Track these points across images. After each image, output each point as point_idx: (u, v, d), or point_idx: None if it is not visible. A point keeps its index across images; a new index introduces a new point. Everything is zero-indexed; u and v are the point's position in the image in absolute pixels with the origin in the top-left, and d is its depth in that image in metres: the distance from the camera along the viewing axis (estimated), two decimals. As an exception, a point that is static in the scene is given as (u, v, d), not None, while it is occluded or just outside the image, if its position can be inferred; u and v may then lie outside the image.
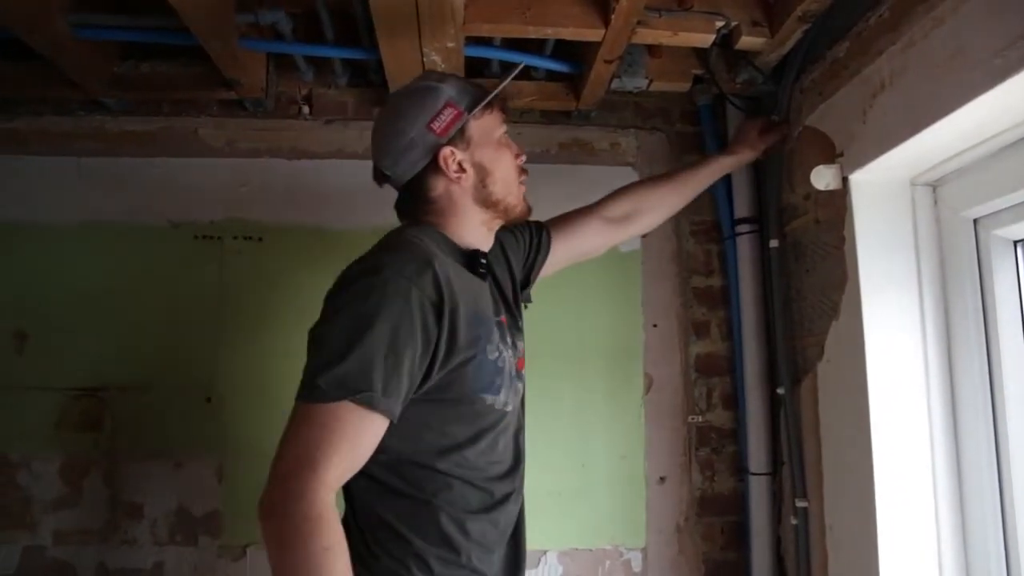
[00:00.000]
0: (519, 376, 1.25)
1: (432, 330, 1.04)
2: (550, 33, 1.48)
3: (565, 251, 1.47)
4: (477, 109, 1.20)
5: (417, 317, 1.03)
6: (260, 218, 1.82)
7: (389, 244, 1.15)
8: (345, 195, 1.82)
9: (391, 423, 1.02)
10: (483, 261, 1.21)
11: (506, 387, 1.17)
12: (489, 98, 1.22)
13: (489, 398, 1.14)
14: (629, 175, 1.89)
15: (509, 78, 1.25)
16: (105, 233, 1.80)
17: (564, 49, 1.68)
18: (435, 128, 1.17)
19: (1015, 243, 1.29)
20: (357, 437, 0.99)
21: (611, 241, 1.55)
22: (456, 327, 1.07)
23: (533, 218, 1.82)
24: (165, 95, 1.81)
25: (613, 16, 1.39)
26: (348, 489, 1.14)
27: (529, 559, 1.70)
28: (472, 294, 1.14)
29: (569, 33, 1.48)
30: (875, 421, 1.33)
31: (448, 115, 1.18)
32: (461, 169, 1.19)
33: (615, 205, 1.52)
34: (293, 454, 0.96)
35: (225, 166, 1.84)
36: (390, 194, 1.81)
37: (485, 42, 1.63)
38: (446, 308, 1.06)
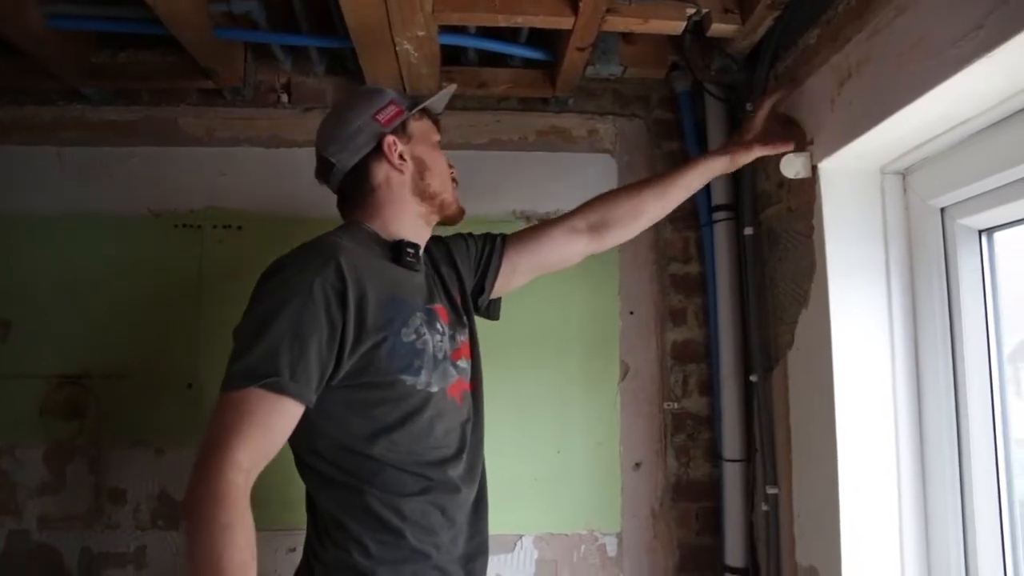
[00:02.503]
0: (454, 364, 1.28)
1: (336, 315, 1.10)
2: (520, 22, 1.48)
3: (528, 261, 1.47)
4: (416, 109, 1.32)
5: (320, 304, 1.09)
6: (240, 207, 1.83)
7: (303, 245, 1.23)
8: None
9: (306, 406, 1.08)
10: (410, 251, 1.26)
11: (428, 369, 1.20)
12: (423, 104, 1.33)
13: (408, 379, 1.18)
14: (607, 162, 1.89)
15: (443, 92, 1.37)
16: (86, 222, 1.81)
17: (539, 36, 1.67)
18: (380, 119, 1.28)
19: (980, 232, 1.28)
20: (268, 420, 1.04)
21: (585, 250, 1.50)
22: (364, 311, 1.13)
23: (516, 204, 1.86)
24: (144, 85, 1.81)
25: (581, 4, 1.39)
26: (307, 489, 1.22)
27: (505, 543, 1.74)
28: (388, 280, 1.20)
29: (539, 22, 1.48)
30: (840, 408, 1.34)
31: (392, 110, 1.29)
32: (402, 158, 1.29)
33: (582, 215, 1.49)
34: (208, 439, 1.02)
35: (205, 155, 1.85)
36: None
37: (460, 30, 1.63)
38: (351, 294, 1.12)
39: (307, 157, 1.82)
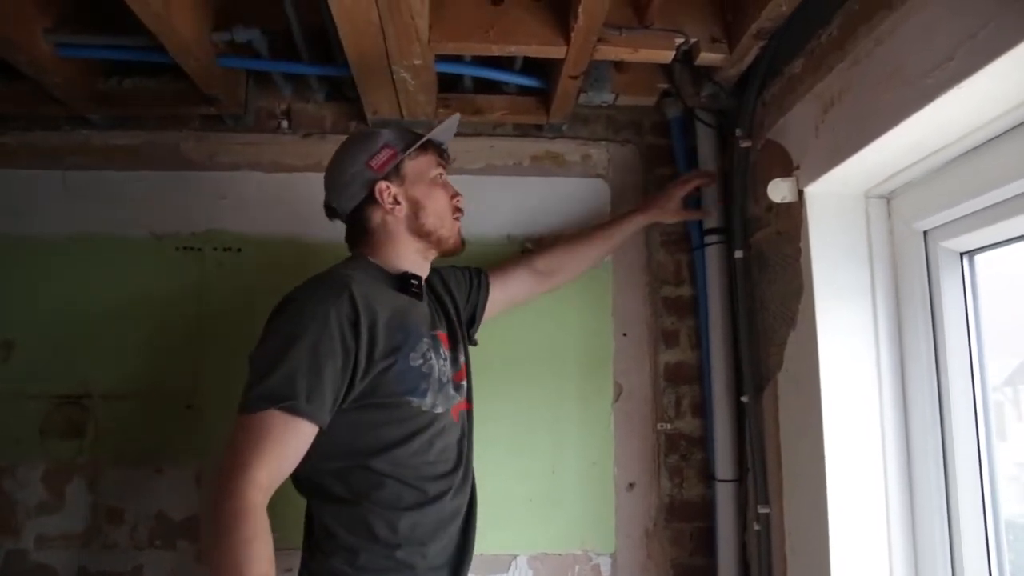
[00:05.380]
0: (457, 386, 1.37)
1: (350, 342, 1.18)
2: (514, 51, 1.52)
3: (500, 298, 1.62)
4: (411, 150, 1.38)
5: (335, 332, 1.17)
6: (239, 230, 1.87)
7: (316, 276, 1.31)
8: (321, 207, 1.85)
9: (321, 429, 1.15)
10: (414, 281, 1.34)
11: (433, 391, 1.28)
12: (420, 142, 1.39)
13: (415, 401, 1.26)
14: (600, 186, 1.93)
15: (442, 126, 1.43)
16: (90, 245, 1.85)
17: (534, 64, 1.72)
18: (373, 165, 1.35)
19: (961, 255, 1.31)
20: (284, 440, 1.12)
21: (535, 291, 1.70)
22: (375, 337, 1.21)
23: (511, 228, 1.89)
24: (148, 111, 1.86)
25: (573, 34, 1.43)
26: (308, 505, 1.29)
27: (499, 563, 1.76)
28: (396, 309, 1.28)
29: (532, 51, 1.52)
30: (828, 428, 1.36)
31: (385, 155, 1.36)
32: (396, 201, 1.36)
33: (543, 259, 1.69)
34: (228, 459, 1.10)
35: (206, 179, 1.89)
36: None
37: (456, 59, 1.68)
38: (363, 322, 1.20)
39: (306, 182, 1.89)
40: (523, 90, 1.82)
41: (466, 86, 1.82)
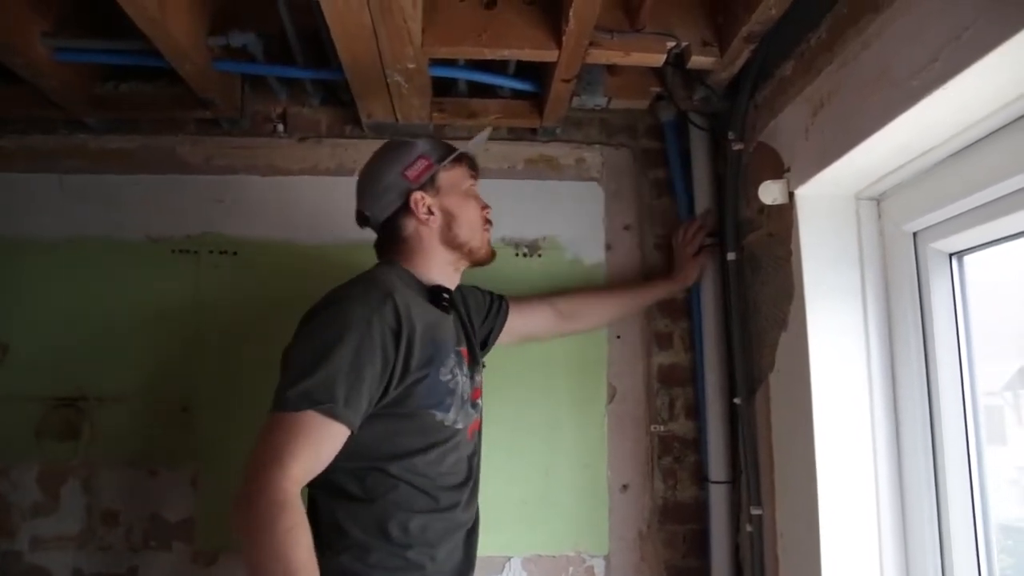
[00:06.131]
0: (474, 404, 1.39)
1: (390, 352, 1.19)
2: (506, 55, 1.53)
3: (519, 327, 1.65)
4: (447, 161, 1.38)
5: (377, 340, 1.18)
6: (235, 233, 1.88)
7: (359, 278, 1.30)
8: (317, 211, 1.88)
9: (351, 433, 1.15)
10: (445, 296, 1.35)
11: (456, 407, 1.30)
12: (456, 153, 1.40)
13: (439, 415, 1.27)
14: (594, 189, 1.94)
15: (477, 139, 1.44)
16: (86, 247, 1.86)
17: (527, 68, 1.73)
18: (408, 175, 1.35)
19: (950, 256, 1.32)
20: (319, 442, 1.13)
21: (553, 331, 1.75)
22: (412, 349, 1.22)
23: (505, 231, 1.90)
24: (144, 114, 1.87)
25: (565, 38, 1.44)
26: (312, 501, 1.27)
27: (493, 565, 1.76)
28: (429, 322, 1.28)
29: (525, 54, 1.53)
30: (818, 429, 1.37)
31: (421, 165, 1.36)
32: (430, 212, 1.36)
33: (567, 301, 1.73)
34: (263, 454, 1.10)
35: (202, 183, 1.90)
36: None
37: (450, 63, 1.69)
38: (403, 333, 1.21)
39: (301, 186, 1.91)
40: (517, 94, 1.83)
41: (460, 90, 1.83)
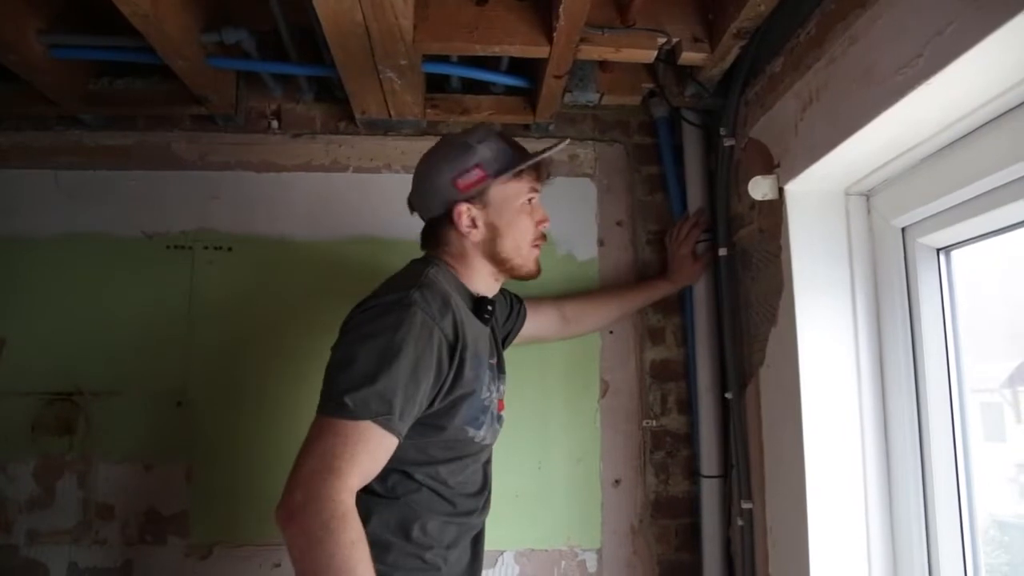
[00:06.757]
0: (498, 418, 1.38)
1: (445, 366, 1.18)
2: (498, 51, 1.54)
3: (528, 331, 1.66)
4: (505, 175, 1.31)
5: (435, 354, 1.16)
6: (229, 229, 1.88)
7: (414, 273, 1.26)
8: (310, 207, 1.89)
9: (399, 442, 1.14)
10: (489, 308, 1.33)
11: (487, 425, 1.30)
12: (515, 169, 1.31)
13: (471, 431, 1.27)
14: (587, 185, 1.94)
15: (547, 151, 1.35)
16: (81, 243, 1.87)
17: (520, 65, 1.74)
18: (459, 184, 1.30)
19: (938, 251, 1.33)
20: (375, 452, 1.11)
21: (557, 335, 1.76)
22: (464, 365, 1.22)
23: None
24: (139, 111, 1.88)
25: (555, 34, 1.45)
26: None
27: (487, 559, 1.75)
28: (474, 336, 1.27)
29: (516, 51, 1.54)
30: (807, 423, 1.37)
31: (474, 175, 1.30)
32: (473, 225, 1.31)
33: (572, 305, 1.74)
34: (318, 461, 1.06)
35: (197, 179, 1.90)
36: (353, 208, 1.89)
37: (443, 59, 1.70)
38: (458, 347, 1.20)
39: (296, 181, 1.91)
40: (510, 90, 1.84)
41: (454, 86, 1.84)
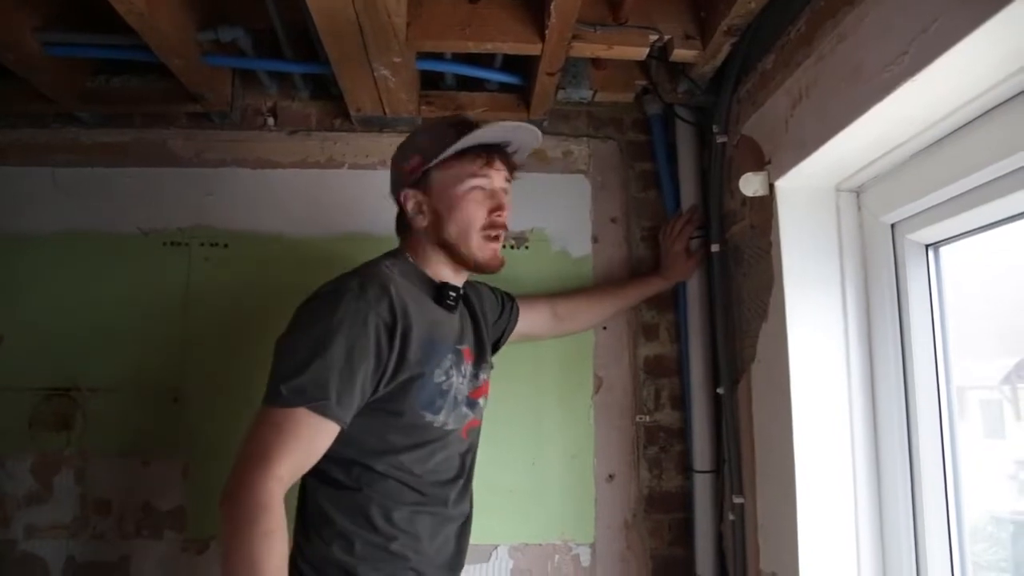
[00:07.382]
0: (472, 404, 1.36)
1: (384, 349, 1.18)
2: (490, 48, 1.55)
3: (521, 328, 1.67)
4: (439, 159, 1.28)
5: (372, 337, 1.16)
6: (226, 226, 1.89)
7: (358, 269, 1.28)
8: (307, 203, 1.90)
9: (342, 429, 1.14)
10: (452, 295, 1.32)
11: (447, 410, 1.28)
12: (446, 152, 1.27)
13: (428, 416, 1.25)
14: (581, 182, 1.95)
15: (476, 132, 1.26)
16: (79, 240, 1.88)
17: (514, 62, 1.74)
18: (404, 169, 1.32)
19: (927, 247, 1.34)
20: (310, 439, 1.12)
21: (550, 333, 1.77)
22: (407, 347, 1.21)
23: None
24: (136, 108, 1.89)
25: (548, 31, 1.46)
26: (303, 486, 1.27)
27: (480, 553, 1.78)
28: (429, 321, 1.26)
29: (508, 48, 1.55)
30: (797, 418, 1.38)
31: (414, 161, 1.32)
32: (420, 210, 1.32)
33: (566, 303, 1.75)
34: (251, 450, 1.09)
35: (193, 176, 1.91)
36: (348, 205, 1.90)
37: (438, 56, 1.70)
38: (399, 330, 1.19)
39: (291, 179, 1.92)
40: (504, 87, 1.85)
41: (448, 83, 1.85)
